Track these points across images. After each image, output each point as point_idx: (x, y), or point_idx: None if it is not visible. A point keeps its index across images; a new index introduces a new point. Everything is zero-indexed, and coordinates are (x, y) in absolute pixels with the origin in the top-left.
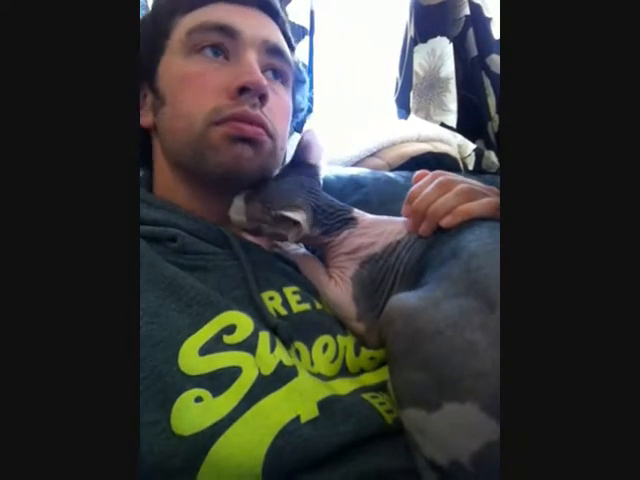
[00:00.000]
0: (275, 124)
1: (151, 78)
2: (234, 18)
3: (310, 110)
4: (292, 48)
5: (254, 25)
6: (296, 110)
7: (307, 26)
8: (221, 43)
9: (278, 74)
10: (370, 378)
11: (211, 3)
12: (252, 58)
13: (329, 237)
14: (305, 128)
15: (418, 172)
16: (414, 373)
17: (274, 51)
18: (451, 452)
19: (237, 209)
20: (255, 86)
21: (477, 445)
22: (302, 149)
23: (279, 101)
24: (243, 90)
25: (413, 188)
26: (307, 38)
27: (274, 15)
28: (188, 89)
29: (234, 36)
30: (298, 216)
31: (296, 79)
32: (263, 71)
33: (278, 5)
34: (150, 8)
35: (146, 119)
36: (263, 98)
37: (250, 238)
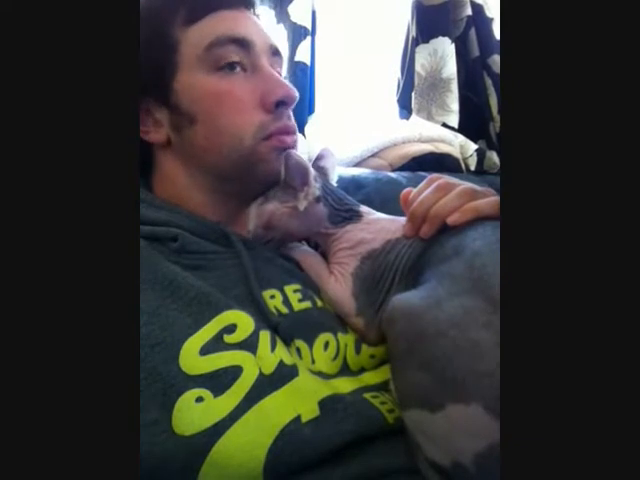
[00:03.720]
0: None
1: (164, 95)
2: (244, 28)
3: (312, 110)
4: None
5: (259, 32)
6: None
7: (309, 26)
8: (239, 60)
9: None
10: (371, 378)
11: (212, 12)
12: (269, 67)
13: (334, 228)
14: (307, 128)
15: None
16: (417, 374)
17: (276, 53)
18: (453, 453)
19: (252, 213)
20: (290, 99)
21: (481, 446)
22: (316, 158)
23: None
24: (279, 104)
25: (405, 193)
26: (309, 38)
27: (254, 9)
28: (223, 107)
29: (249, 48)
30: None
31: None
32: None
33: None
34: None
35: (158, 135)
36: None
37: None
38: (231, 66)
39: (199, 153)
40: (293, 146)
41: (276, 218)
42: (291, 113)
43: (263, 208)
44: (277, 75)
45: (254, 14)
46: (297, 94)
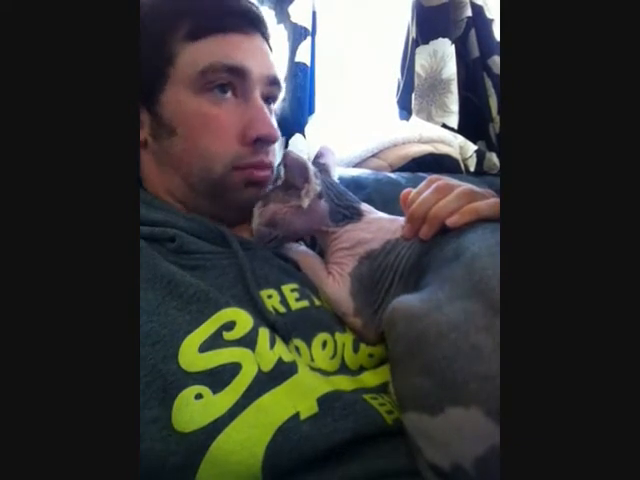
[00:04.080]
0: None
1: (150, 101)
2: (244, 56)
3: (312, 111)
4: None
5: (260, 61)
6: None
7: (309, 27)
8: (230, 82)
9: (271, 100)
10: (370, 379)
11: (216, 33)
12: (260, 100)
13: (335, 226)
14: (307, 129)
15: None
16: (417, 377)
17: (274, 83)
18: (453, 456)
19: (254, 214)
20: (270, 138)
21: (481, 450)
22: (316, 156)
23: None
24: (258, 139)
25: (405, 193)
26: (309, 39)
27: (265, 31)
28: (205, 130)
29: (244, 77)
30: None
31: None
32: None
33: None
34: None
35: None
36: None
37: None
38: (222, 89)
39: (173, 163)
40: (265, 181)
41: (279, 217)
42: (272, 148)
43: (265, 209)
44: (265, 111)
45: (264, 36)
46: (279, 134)
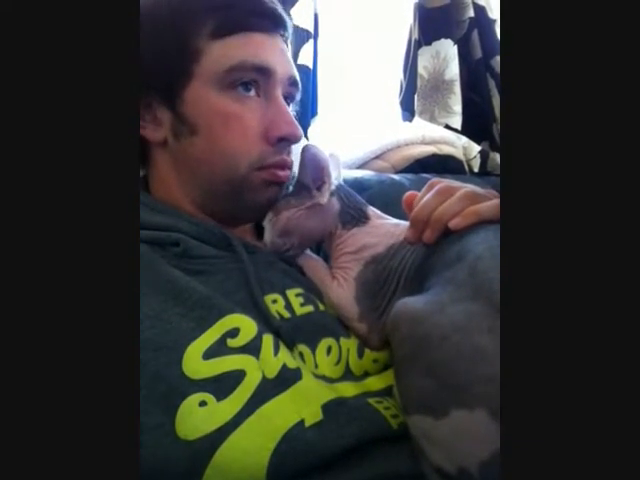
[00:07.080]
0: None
1: (172, 99)
2: (269, 56)
3: (315, 113)
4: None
5: (283, 61)
6: None
7: (311, 30)
8: (255, 80)
9: (290, 100)
10: (375, 383)
11: (242, 31)
12: (282, 100)
13: (342, 228)
14: (310, 131)
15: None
16: (420, 379)
17: (294, 84)
18: (459, 460)
19: (266, 226)
20: (294, 138)
21: (486, 453)
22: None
23: None
24: (282, 139)
25: (408, 197)
26: (311, 42)
27: (285, 33)
28: (228, 129)
29: (269, 75)
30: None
31: None
32: None
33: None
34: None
35: (156, 134)
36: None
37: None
38: (246, 87)
39: (192, 164)
40: (286, 181)
41: (292, 223)
42: (292, 148)
43: (277, 218)
44: (288, 110)
45: (284, 39)
46: (302, 134)
